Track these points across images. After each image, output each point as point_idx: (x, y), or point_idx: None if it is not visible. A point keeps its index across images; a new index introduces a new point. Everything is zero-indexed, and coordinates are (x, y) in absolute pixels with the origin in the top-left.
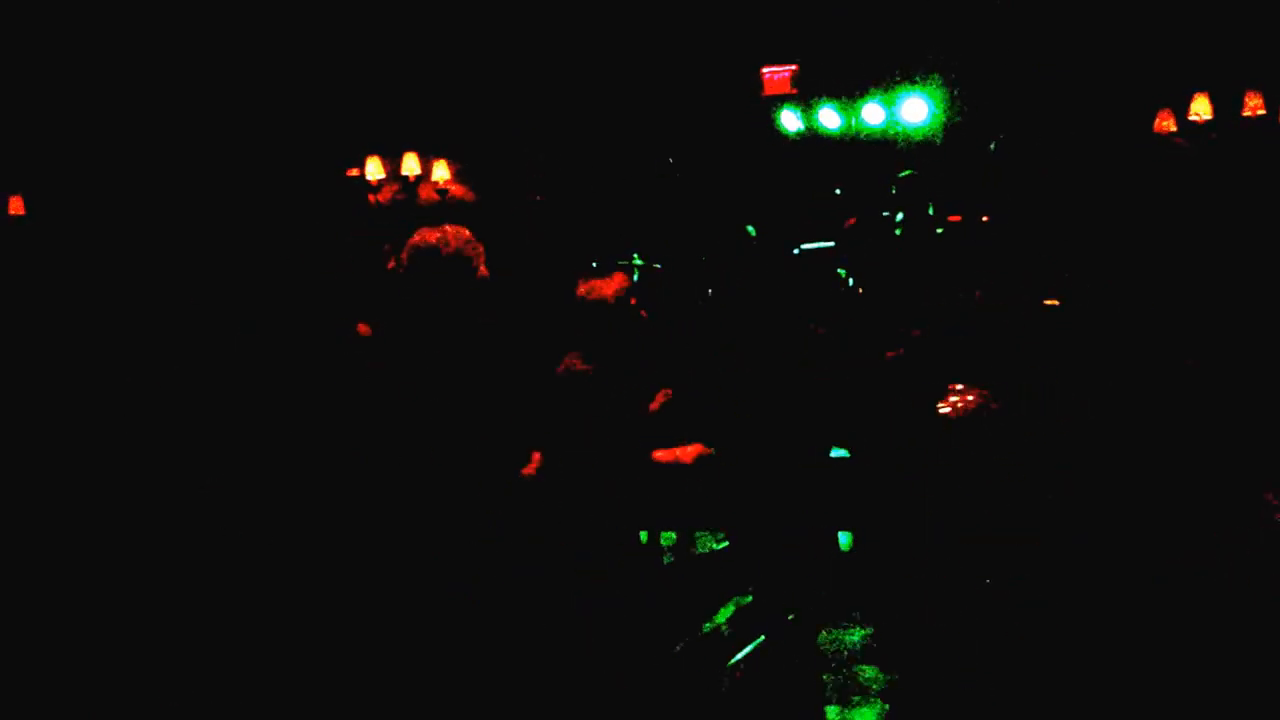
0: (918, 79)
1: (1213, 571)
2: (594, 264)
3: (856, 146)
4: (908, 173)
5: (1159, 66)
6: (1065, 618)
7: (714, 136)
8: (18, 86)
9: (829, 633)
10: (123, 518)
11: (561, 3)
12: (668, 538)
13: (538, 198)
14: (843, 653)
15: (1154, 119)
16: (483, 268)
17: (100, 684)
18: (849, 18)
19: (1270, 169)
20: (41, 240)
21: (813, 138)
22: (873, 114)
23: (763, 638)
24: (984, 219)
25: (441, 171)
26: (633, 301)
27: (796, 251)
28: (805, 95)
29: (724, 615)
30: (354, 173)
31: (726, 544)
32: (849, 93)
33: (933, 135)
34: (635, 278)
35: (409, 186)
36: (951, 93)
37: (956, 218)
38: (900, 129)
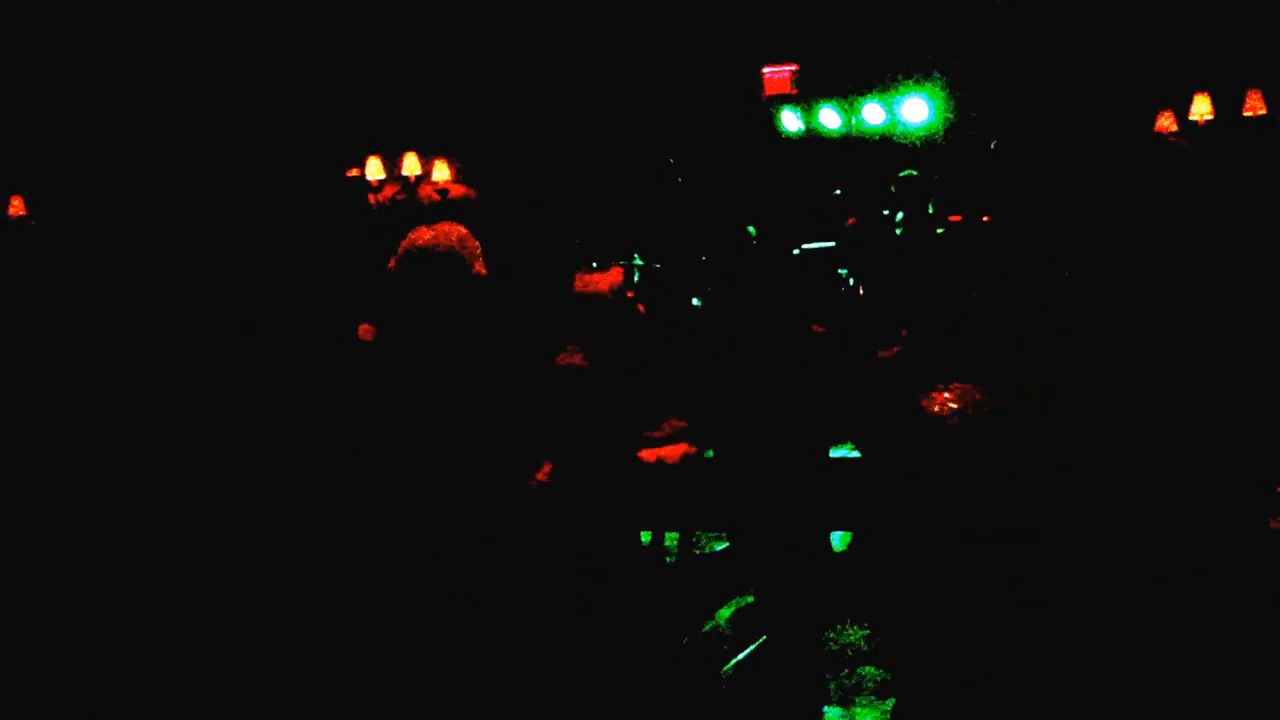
0: (918, 79)
1: (1213, 572)
2: (594, 264)
3: (857, 146)
4: (908, 173)
5: (1159, 66)
6: (1065, 618)
7: (714, 136)
8: (18, 86)
9: (829, 633)
10: (123, 517)
11: (562, 3)
12: (669, 538)
13: (539, 187)
14: (843, 653)
15: (1154, 119)
16: (478, 265)
17: (100, 684)
18: (849, 18)
19: (1270, 169)
20: (41, 240)
21: (813, 138)
22: (873, 114)
23: (763, 638)
24: (984, 219)
25: (442, 171)
26: (629, 296)
27: (797, 252)
28: (806, 95)
29: (724, 615)
30: (354, 173)
31: (726, 544)
32: (849, 93)
33: (933, 135)
34: (635, 278)
35: (409, 186)
36: (951, 93)
37: (957, 217)
38: (900, 129)
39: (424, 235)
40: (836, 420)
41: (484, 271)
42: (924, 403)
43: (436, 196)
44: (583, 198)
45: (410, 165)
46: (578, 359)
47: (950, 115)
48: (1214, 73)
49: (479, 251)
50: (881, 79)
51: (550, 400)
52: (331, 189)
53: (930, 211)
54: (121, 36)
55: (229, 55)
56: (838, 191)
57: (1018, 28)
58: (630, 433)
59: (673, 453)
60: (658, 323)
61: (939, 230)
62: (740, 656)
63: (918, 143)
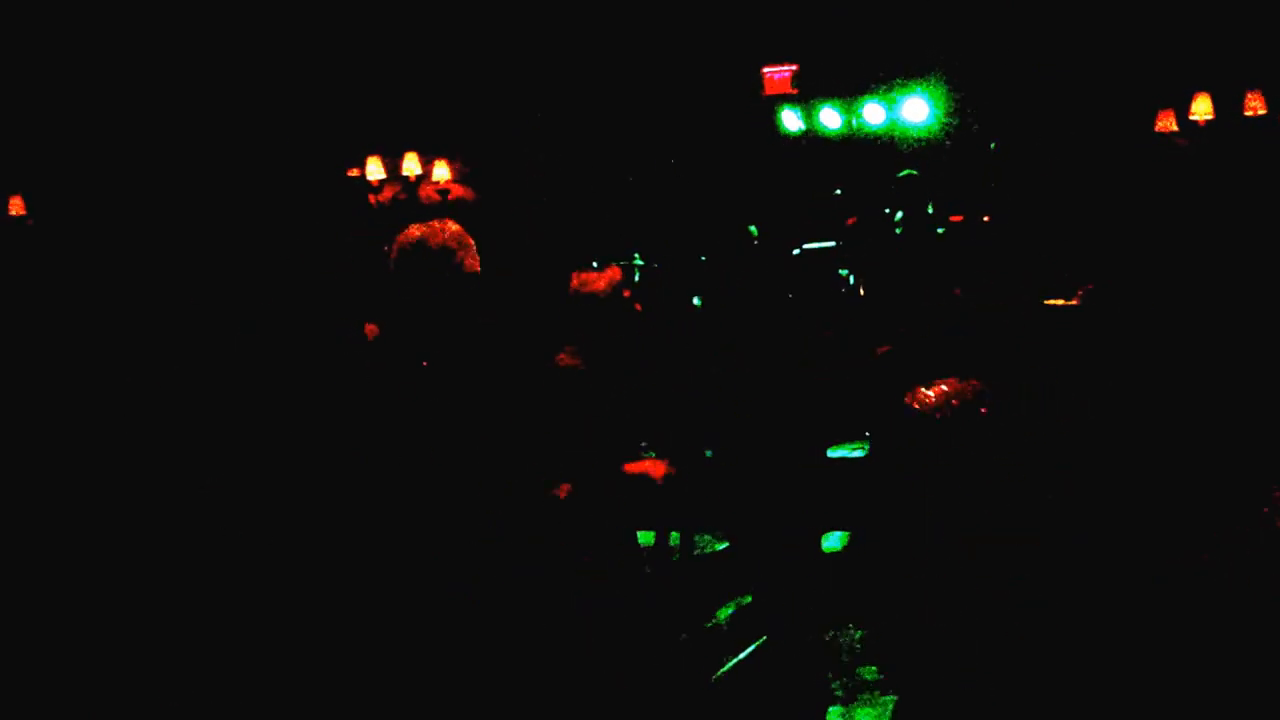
0: (918, 79)
1: (1214, 572)
2: (594, 264)
3: (857, 146)
4: (908, 172)
5: (1159, 67)
6: (1065, 618)
7: (715, 136)
8: (18, 86)
9: (829, 633)
10: (123, 517)
11: (562, 3)
12: (670, 538)
13: (539, 187)
14: (843, 653)
15: (1155, 119)
16: (468, 259)
17: (100, 684)
18: (849, 18)
19: (1271, 169)
20: (41, 240)
21: (813, 137)
22: (873, 114)
23: (763, 638)
24: (984, 219)
25: (442, 171)
26: (626, 295)
27: (797, 252)
28: (806, 95)
29: (724, 615)
30: (354, 173)
31: (726, 544)
32: (850, 93)
33: (933, 135)
34: (636, 278)
35: (409, 186)
36: (952, 92)
37: (958, 217)
38: (901, 129)
39: (414, 232)
40: (835, 420)
41: (477, 268)
42: (907, 398)
43: (436, 197)
44: (582, 197)
45: (410, 165)
46: (575, 360)
47: (950, 115)
48: (1214, 73)
49: (473, 248)
50: (882, 79)
51: (548, 401)
52: (332, 189)
53: (930, 211)
54: (121, 36)
55: (229, 55)
56: (838, 191)
57: (1018, 28)
58: (629, 434)
59: (657, 469)
60: (656, 322)
61: (939, 230)
62: (740, 657)
63: (918, 143)
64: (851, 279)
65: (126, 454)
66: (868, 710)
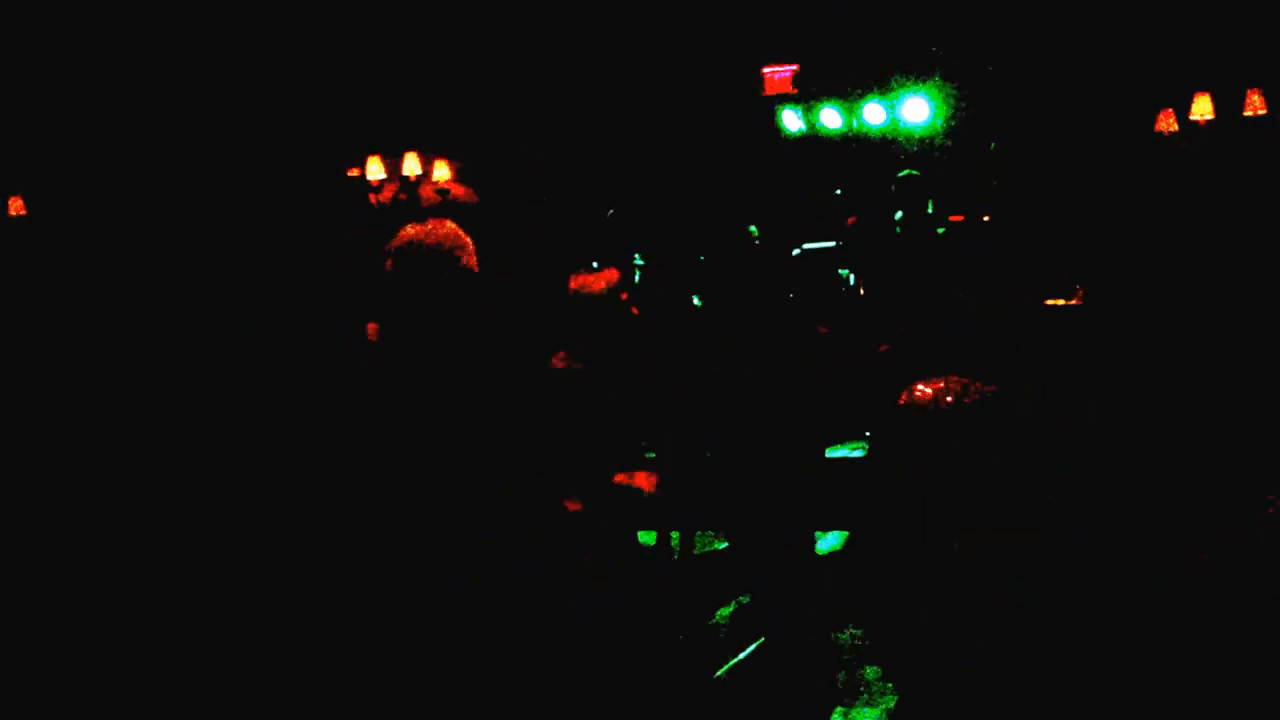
0: (918, 79)
1: (1214, 572)
2: (594, 264)
3: (857, 146)
4: (908, 172)
5: (1160, 66)
6: (1065, 618)
7: (715, 136)
8: (18, 86)
9: (829, 633)
10: (123, 517)
11: (562, 3)
12: (671, 538)
13: (539, 187)
14: (843, 653)
15: (1155, 119)
16: (465, 260)
17: (100, 684)
18: (849, 18)
19: (1271, 169)
20: (41, 240)
21: (813, 137)
22: (873, 114)
23: (763, 638)
24: (985, 219)
25: (442, 171)
26: (623, 297)
27: (797, 252)
28: (806, 95)
29: (724, 615)
30: (354, 173)
31: (726, 544)
32: (850, 93)
33: (933, 135)
34: (636, 278)
35: (409, 186)
36: (952, 92)
37: (959, 217)
38: (901, 129)
39: (408, 232)
40: (835, 420)
41: (475, 267)
42: (904, 396)
43: (436, 197)
44: (583, 198)
45: (410, 165)
46: (571, 362)
47: (950, 115)
48: (1214, 73)
49: (470, 247)
50: (882, 79)
51: (545, 402)
52: (332, 189)
53: (930, 211)
54: (121, 36)
55: (229, 55)
56: (838, 191)
57: (1018, 28)
58: (626, 435)
59: (648, 481)
60: (654, 323)
61: (939, 230)
62: (740, 657)
63: (918, 143)
64: (852, 279)
65: (127, 453)
66: (868, 710)
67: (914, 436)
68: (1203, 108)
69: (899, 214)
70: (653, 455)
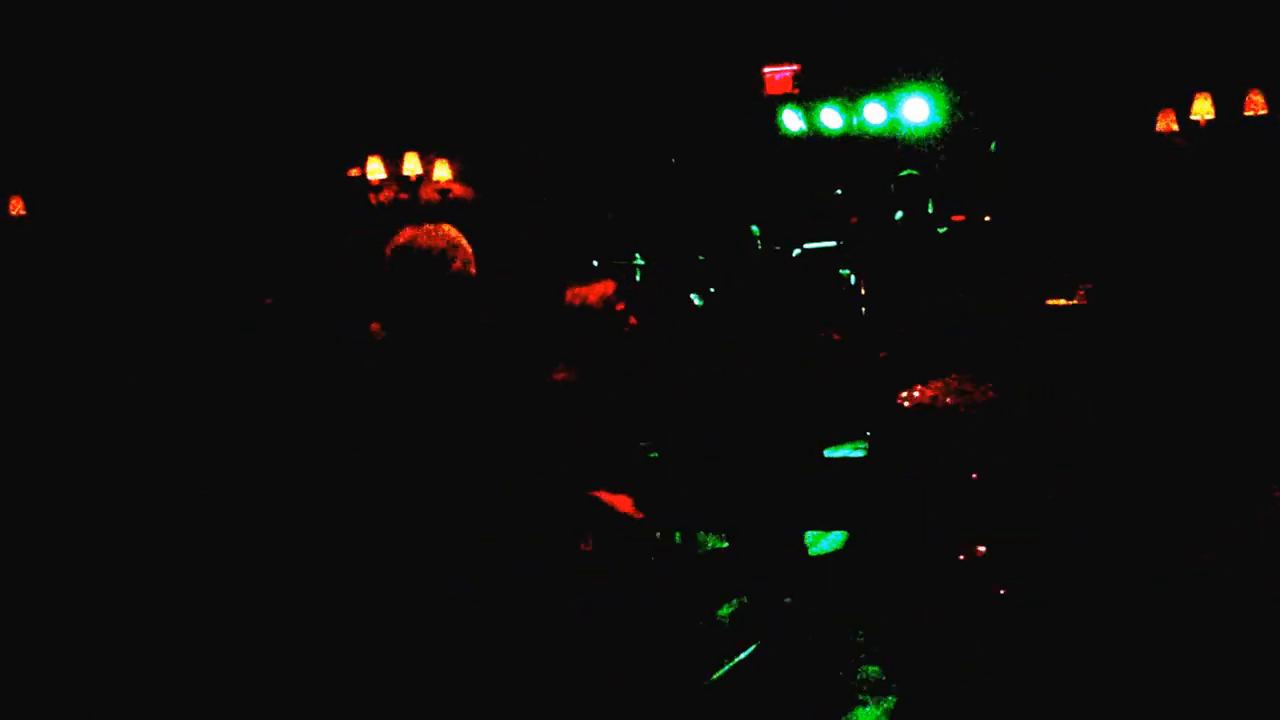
0: (919, 79)
1: (1214, 572)
2: (594, 262)
3: (858, 146)
4: (909, 172)
5: (1159, 66)
6: (1065, 617)
7: (716, 136)
8: (18, 86)
9: (829, 633)
10: (123, 517)
11: (562, 3)
12: (673, 538)
13: (539, 187)
14: (843, 653)
15: (1155, 119)
16: (458, 264)
17: (100, 684)
18: (850, 18)
19: (1271, 169)
20: (41, 240)
21: (814, 137)
22: (874, 114)
23: (763, 638)
24: (986, 219)
25: (442, 171)
26: (620, 307)
27: (798, 252)
28: (807, 95)
29: (724, 615)
30: (354, 173)
31: (727, 544)
32: (850, 93)
33: (934, 135)
34: (637, 278)
35: (410, 186)
36: (953, 92)
37: (960, 216)
38: (902, 129)
39: (404, 235)
40: (835, 419)
41: (472, 271)
42: (899, 398)
43: (436, 197)
44: (583, 198)
45: (410, 165)
46: (568, 374)
47: (951, 115)
48: (1215, 73)
49: (467, 251)
50: (882, 79)
51: (541, 412)
52: (332, 189)
53: (930, 211)
54: (121, 36)
55: (229, 55)
56: (839, 191)
57: (1018, 27)
58: (623, 446)
59: (624, 503)
60: (652, 329)
61: (941, 230)
62: (740, 657)
63: (919, 143)
64: (853, 279)
65: (126, 452)
66: (868, 710)
67: (914, 438)
68: (1203, 108)
69: (899, 214)
70: (655, 455)
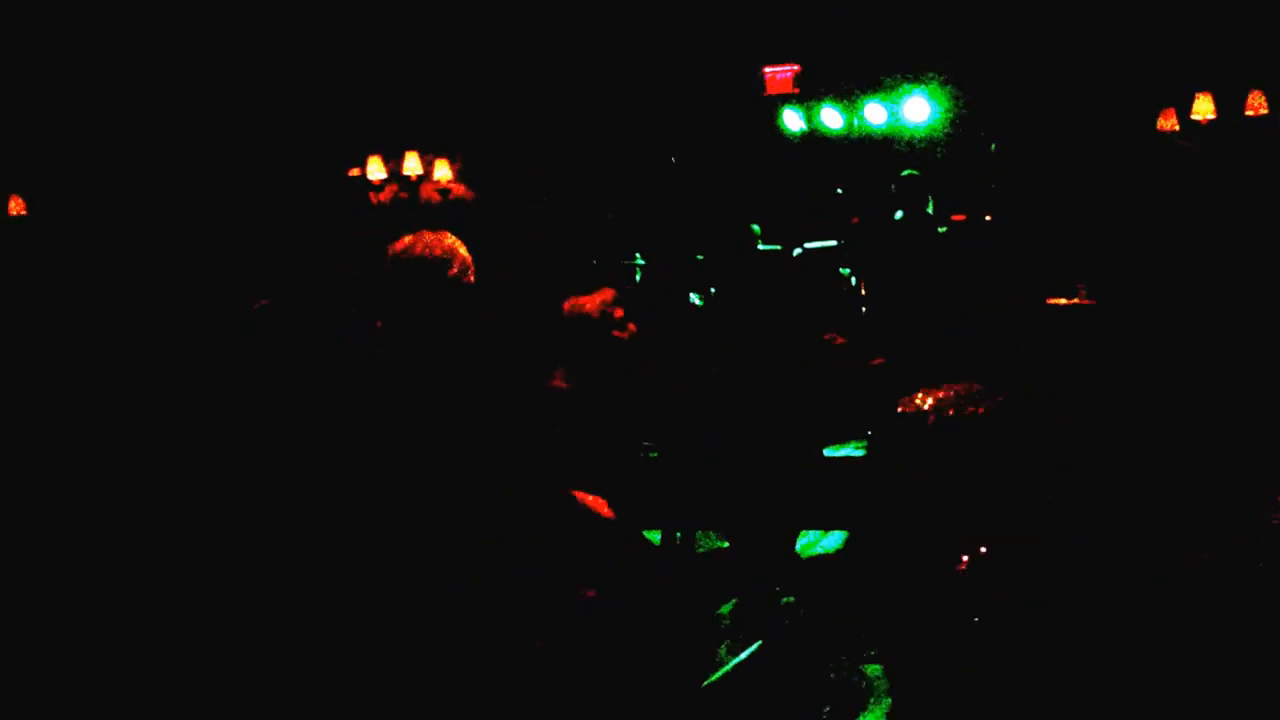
0: (919, 79)
1: (1214, 572)
2: (594, 262)
3: (858, 146)
4: (909, 172)
5: (1160, 66)
6: (1065, 617)
7: (716, 136)
8: (18, 86)
9: (829, 633)
10: (123, 517)
11: (562, 3)
12: (673, 538)
13: (539, 187)
14: (843, 653)
15: (1156, 119)
16: (454, 271)
17: (100, 684)
18: (850, 17)
19: (1272, 169)
20: (41, 240)
21: (814, 137)
22: (875, 114)
23: (763, 639)
24: (986, 218)
25: (442, 171)
26: (618, 315)
27: (798, 252)
28: (807, 95)
29: (724, 614)
30: (355, 173)
31: (727, 544)
32: (851, 93)
33: (934, 135)
34: (637, 277)
35: (410, 186)
36: (953, 92)
37: (960, 217)
38: (902, 129)
39: (402, 242)
40: (835, 419)
41: (470, 279)
42: (903, 404)
43: (437, 197)
44: (583, 198)
45: (411, 165)
46: (567, 382)
47: (952, 115)
48: (1215, 72)
49: (464, 260)
50: (883, 79)
51: (538, 421)
52: (332, 189)
53: (931, 211)
54: (121, 36)
55: (229, 55)
56: (839, 191)
57: (1019, 27)
58: (620, 454)
59: (599, 505)
60: (652, 330)
61: (941, 230)
62: (740, 657)
63: (919, 143)
64: (853, 278)
65: (126, 453)
66: (867, 710)
67: (914, 439)
68: (1204, 107)
69: (899, 214)
70: (655, 455)
